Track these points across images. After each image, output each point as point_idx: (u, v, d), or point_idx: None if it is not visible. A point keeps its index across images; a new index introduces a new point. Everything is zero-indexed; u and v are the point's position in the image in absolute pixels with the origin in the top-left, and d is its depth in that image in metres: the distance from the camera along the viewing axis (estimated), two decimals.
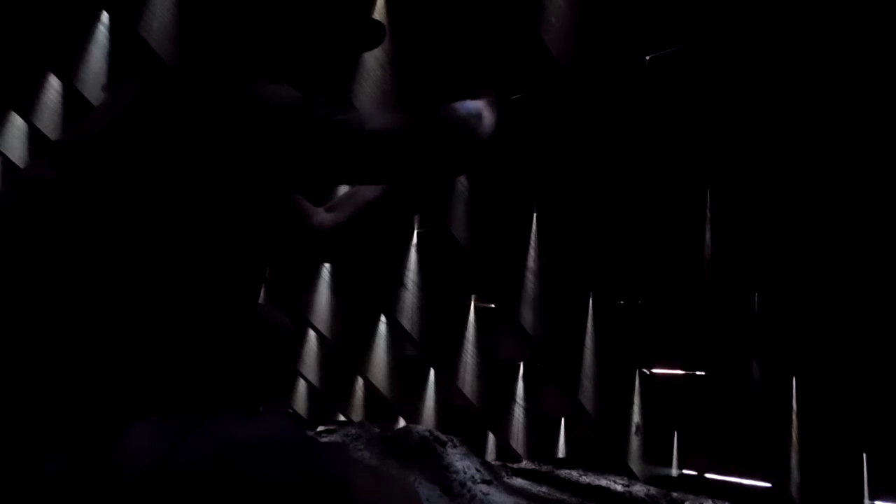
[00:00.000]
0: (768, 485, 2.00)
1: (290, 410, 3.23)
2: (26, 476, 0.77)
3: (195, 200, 0.90)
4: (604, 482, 2.25)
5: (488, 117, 1.11)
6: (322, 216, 1.30)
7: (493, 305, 2.38)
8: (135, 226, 0.88)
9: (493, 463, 2.45)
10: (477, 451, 2.34)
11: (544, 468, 2.44)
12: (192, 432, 0.79)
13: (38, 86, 2.56)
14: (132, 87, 1.01)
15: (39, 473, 0.77)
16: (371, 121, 0.98)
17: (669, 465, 2.28)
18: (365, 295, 2.65)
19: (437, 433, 2.33)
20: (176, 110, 0.92)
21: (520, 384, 2.56)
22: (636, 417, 2.23)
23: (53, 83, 2.57)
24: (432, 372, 2.78)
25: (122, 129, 0.92)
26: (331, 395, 3.10)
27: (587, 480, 2.29)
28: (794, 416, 1.93)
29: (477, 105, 1.12)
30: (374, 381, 2.73)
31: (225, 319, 0.98)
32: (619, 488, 2.18)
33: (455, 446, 2.26)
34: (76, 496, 0.76)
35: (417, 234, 2.44)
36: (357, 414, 3.06)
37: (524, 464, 2.50)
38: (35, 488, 0.76)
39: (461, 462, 2.17)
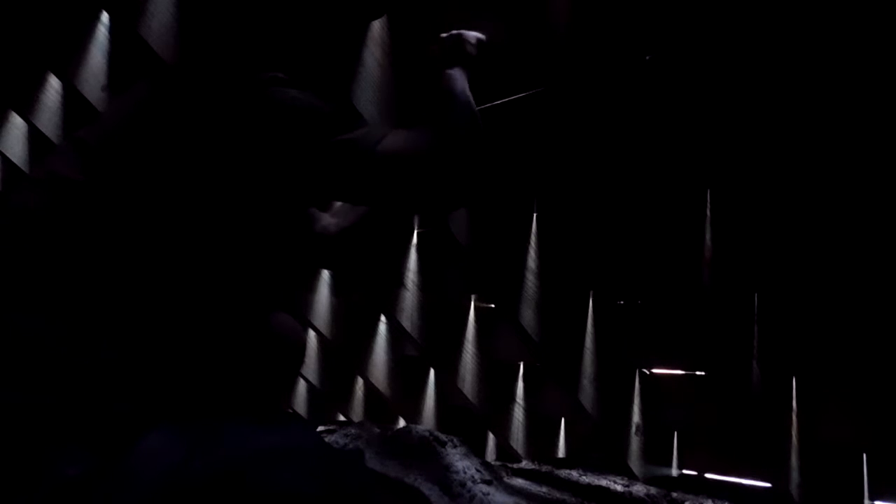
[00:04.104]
0: (768, 485, 2.00)
1: (290, 410, 3.23)
2: (45, 479, 0.76)
3: (208, 201, 0.90)
4: (604, 482, 2.25)
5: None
6: (326, 221, 1.30)
7: (493, 305, 2.38)
8: (153, 229, 0.88)
9: (493, 463, 2.45)
10: (477, 451, 2.34)
11: (544, 468, 2.44)
12: (212, 438, 0.78)
13: (38, 86, 2.56)
14: (142, 88, 1.00)
15: (58, 477, 0.76)
16: (384, 142, 0.94)
17: (669, 465, 2.28)
18: (365, 295, 2.65)
19: (437, 433, 2.33)
20: (191, 109, 0.91)
21: (520, 384, 2.56)
22: (636, 417, 2.23)
23: (53, 83, 2.57)
24: (432, 372, 2.78)
25: (138, 131, 0.92)
26: (331, 395, 3.10)
27: (587, 480, 2.29)
28: (794, 416, 1.93)
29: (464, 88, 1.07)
30: (374, 381, 2.73)
31: (240, 323, 0.98)
32: (619, 488, 2.18)
33: (455, 446, 2.26)
34: (95, 500, 0.75)
35: (417, 234, 2.44)
36: (357, 414, 3.06)
37: (524, 464, 2.49)
38: (54, 492, 0.76)
39: (461, 462, 2.17)
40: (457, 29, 1.22)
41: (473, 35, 1.19)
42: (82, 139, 0.95)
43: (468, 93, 1.08)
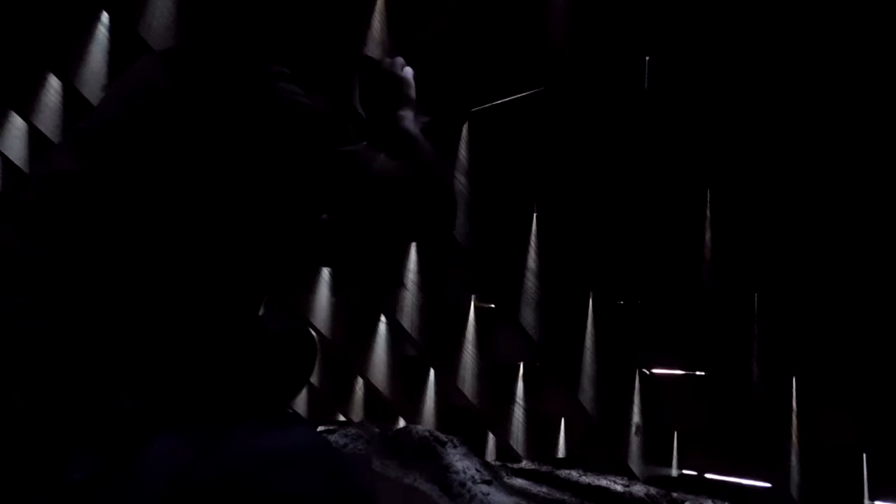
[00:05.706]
0: (768, 485, 2.00)
1: (290, 410, 3.23)
2: (50, 484, 0.75)
3: (210, 194, 0.89)
4: (604, 482, 2.25)
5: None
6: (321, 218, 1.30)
7: (493, 305, 2.38)
8: (154, 222, 0.87)
9: (493, 463, 2.45)
10: (477, 451, 2.34)
11: (544, 468, 2.44)
12: (217, 441, 0.78)
13: (38, 86, 2.56)
14: (141, 73, 0.99)
15: (63, 481, 0.75)
16: (378, 162, 0.98)
17: (669, 465, 2.28)
18: (365, 295, 2.65)
19: (437, 433, 2.33)
20: (191, 100, 0.91)
21: (520, 384, 2.55)
22: (636, 417, 2.23)
23: (53, 83, 2.57)
24: (432, 372, 2.78)
25: (137, 120, 0.91)
26: (331, 395, 3.10)
27: (587, 480, 2.29)
28: (794, 416, 1.93)
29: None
30: (374, 381, 2.73)
31: (241, 323, 0.98)
32: (619, 488, 2.18)
33: (455, 446, 2.26)
34: None
35: None
36: (357, 414, 3.06)
37: (524, 464, 2.49)
38: (58, 496, 0.75)
39: (461, 462, 2.17)
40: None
41: (409, 72, 1.23)
42: (82, 129, 0.95)
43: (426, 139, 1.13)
